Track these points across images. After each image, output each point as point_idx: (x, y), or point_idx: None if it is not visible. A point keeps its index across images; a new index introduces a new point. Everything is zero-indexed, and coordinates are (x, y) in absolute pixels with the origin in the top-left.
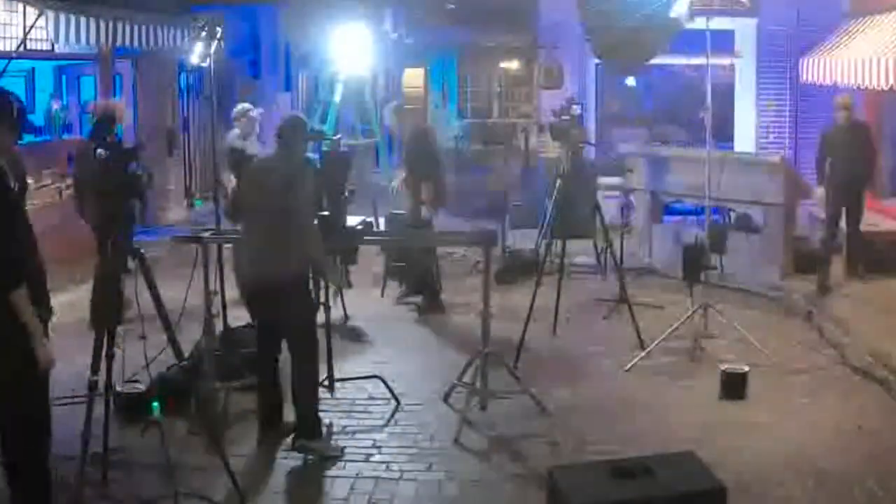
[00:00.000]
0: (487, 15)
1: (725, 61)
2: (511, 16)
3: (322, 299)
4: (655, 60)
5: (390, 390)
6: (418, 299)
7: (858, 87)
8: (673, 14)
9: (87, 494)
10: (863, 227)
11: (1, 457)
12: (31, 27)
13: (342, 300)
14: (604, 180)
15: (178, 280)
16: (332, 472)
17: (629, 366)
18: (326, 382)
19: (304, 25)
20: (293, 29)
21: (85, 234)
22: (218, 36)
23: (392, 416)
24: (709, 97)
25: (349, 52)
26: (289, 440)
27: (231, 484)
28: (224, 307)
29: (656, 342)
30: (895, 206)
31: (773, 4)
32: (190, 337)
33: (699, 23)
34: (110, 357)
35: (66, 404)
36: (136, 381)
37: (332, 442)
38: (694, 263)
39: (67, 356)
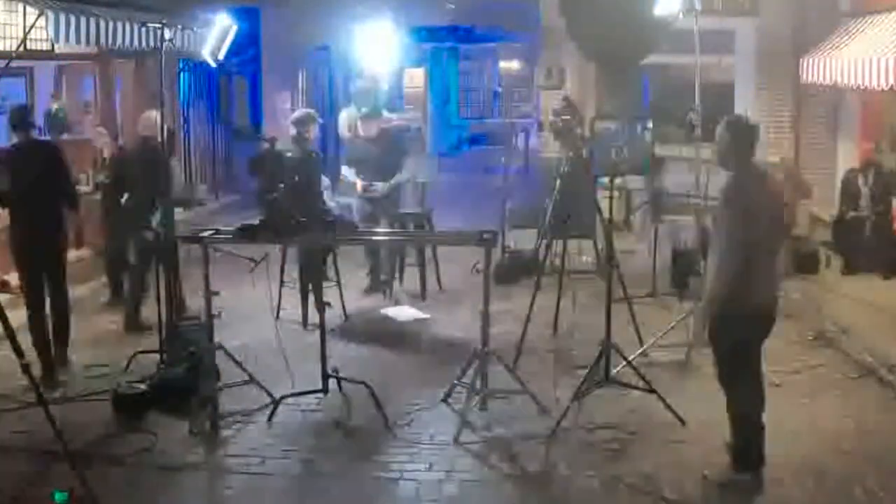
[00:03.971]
0: (487, 15)
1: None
2: (511, 16)
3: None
4: (654, 59)
5: (376, 400)
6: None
7: (858, 87)
8: (658, 12)
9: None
10: None
11: None
12: (31, 27)
13: (342, 300)
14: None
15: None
16: (332, 472)
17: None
18: (320, 385)
19: (316, 23)
20: (303, 27)
21: (84, 234)
22: (230, 34)
23: (391, 416)
24: (697, 98)
25: (375, 50)
26: None
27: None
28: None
29: (639, 351)
30: (893, 208)
31: (773, 4)
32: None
33: (689, 22)
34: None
35: (68, 402)
36: (137, 382)
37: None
38: (682, 269)
39: (68, 356)
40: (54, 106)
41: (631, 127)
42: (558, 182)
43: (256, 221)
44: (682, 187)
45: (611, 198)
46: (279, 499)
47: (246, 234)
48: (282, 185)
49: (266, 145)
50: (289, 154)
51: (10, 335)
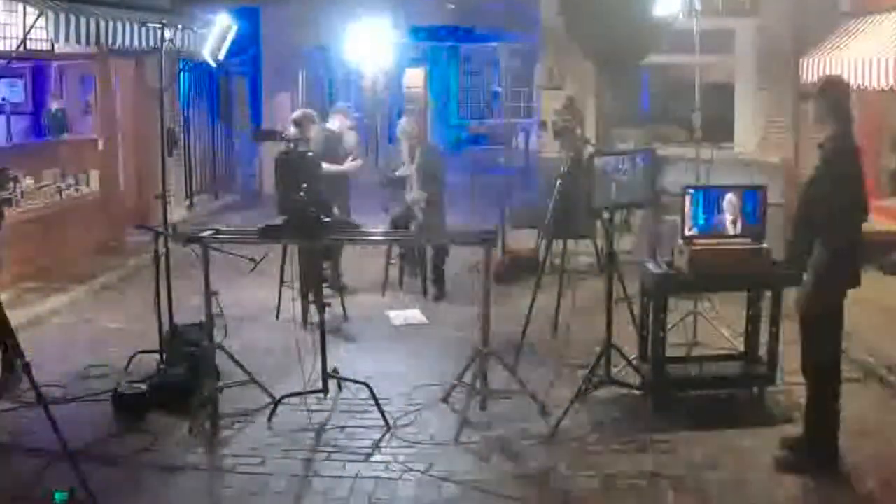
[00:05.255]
0: (487, 15)
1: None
2: (511, 16)
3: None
4: (654, 59)
5: (376, 400)
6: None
7: (858, 87)
8: (658, 12)
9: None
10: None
11: None
12: (31, 27)
13: (342, 300)
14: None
15: (179, 280)
16: (331, 472)
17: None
18: (320, 385)
19: (316, 23)
20: (302, 27)
21: (84, 234)
22: (230, 34)
23: (391, 416)
24: (698, 98)
25: (371, 50)
26: None
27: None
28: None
29: (633, 357)
30: (895, 206)
31: (773, 4)
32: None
33: (689, 22)
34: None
35: (68, 402)
36: (137, 382)
37: None
38: None
39: (68, 356)
40: (54, 106)
41: (631, 160)
42: (558, 182)
43: (279, 222)
44: (682, 187)
45: None
46: (279, 499)
47: (270, 234)
48: (304, 186)
49: (290, 146)
50: (310, 154)
51: (10, 335)
